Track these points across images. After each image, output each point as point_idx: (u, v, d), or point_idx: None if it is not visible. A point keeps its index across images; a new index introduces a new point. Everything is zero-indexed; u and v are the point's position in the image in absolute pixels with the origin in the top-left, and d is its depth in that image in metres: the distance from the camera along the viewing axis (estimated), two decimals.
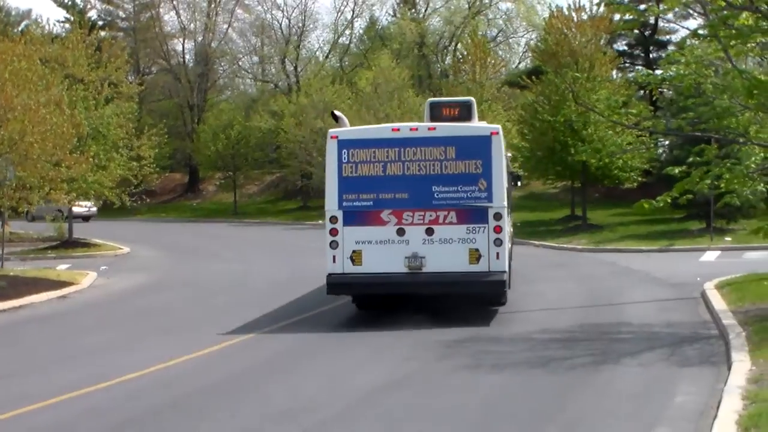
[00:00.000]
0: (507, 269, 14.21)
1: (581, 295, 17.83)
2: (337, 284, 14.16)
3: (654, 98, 32.84)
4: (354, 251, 14.03)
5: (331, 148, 14.14)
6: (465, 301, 15.68)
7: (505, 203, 14.16)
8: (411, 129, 14.24)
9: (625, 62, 48.57)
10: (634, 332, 13.46)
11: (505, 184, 14.36)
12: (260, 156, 58.09)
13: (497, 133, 13.96)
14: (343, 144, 14.14)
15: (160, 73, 69.63)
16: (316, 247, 31.46)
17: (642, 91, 43.13)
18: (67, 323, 16.34)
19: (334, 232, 14.20)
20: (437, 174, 13.94)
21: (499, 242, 13.82)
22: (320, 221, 46.63)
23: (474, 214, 13.83)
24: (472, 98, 15.83)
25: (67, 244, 32.21)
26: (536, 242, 31.01)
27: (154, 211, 58.40)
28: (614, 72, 39.96)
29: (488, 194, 13.85)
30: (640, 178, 35.31)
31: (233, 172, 56.82)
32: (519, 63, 62.96)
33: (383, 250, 13.98)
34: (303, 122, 50.19)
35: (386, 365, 11.47)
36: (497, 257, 13.81)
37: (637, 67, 49.88)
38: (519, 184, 17.28)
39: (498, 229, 13.83)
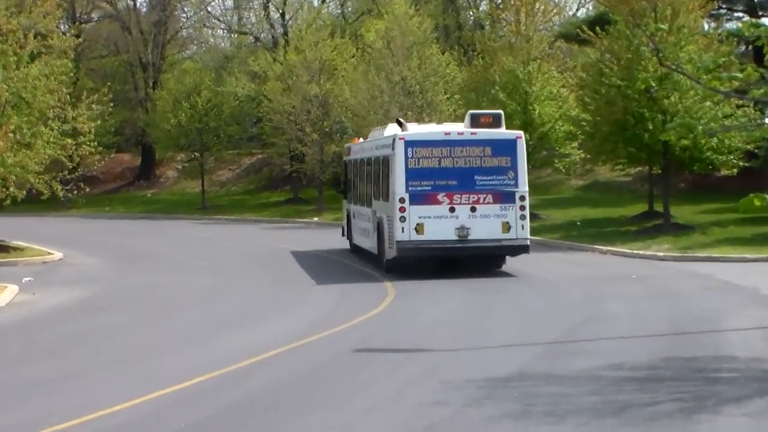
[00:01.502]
0: (529, 236, 24.65)
1: (665, 319, 17.71)
2: (405, 248, 24.18)
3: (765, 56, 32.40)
4: (417, 224, 24.09)
5: (400, 148, 24.28)
6: (509, 312, 18.53)
7: (527, 188, 24.62)
8: (458, 133, 24.97)
9: (720, 7, 48.19)
10: (739, 370, 13.37)
11: (526, 175, 24.83)
12: (236, 132, 58.01)
13: (521, 137, 24.90)
14: (409, 144, 24.40)
15: (103, 21, 69.72)
16: (312, 252, 31.68)
17: (745, 47, 42.82)
18: None
19: (402, 209, 24.10)
20: (478, 167, 24.39)
21: (523, 217, 24.35)
22: (316, 219, 46.79)
23: (505, 196, 24.33)
24: (501, 111, 26.36)
25: None
26: (602, 247, 30.85)
27: (96, 204, 58.50)
28: (705, 21, 39.64)
29: (515, 182, 24.39)
30: (741, 163, 35.00)
31: (200, 153, 56.78)
32: (578, 9, 62.80)
33: (439, 223, 24.15)
34: (293, 87, 50.14)
35: (404, 411, 11.39)
36: (522, 228, 24.35)
37: (736, 15, 49.52)
38: None
39: (522, 208, 24.37)
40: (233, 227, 45.02)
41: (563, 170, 42.72)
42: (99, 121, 35.44)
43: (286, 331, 17.28)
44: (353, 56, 50.75)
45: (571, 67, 41.83)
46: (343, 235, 32.48)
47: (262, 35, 64.93)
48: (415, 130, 25.89)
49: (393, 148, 24.50)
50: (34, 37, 32.27)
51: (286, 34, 59.60)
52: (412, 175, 24.24)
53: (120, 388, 12.82)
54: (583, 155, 39.70)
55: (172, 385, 12.88)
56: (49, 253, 32.25)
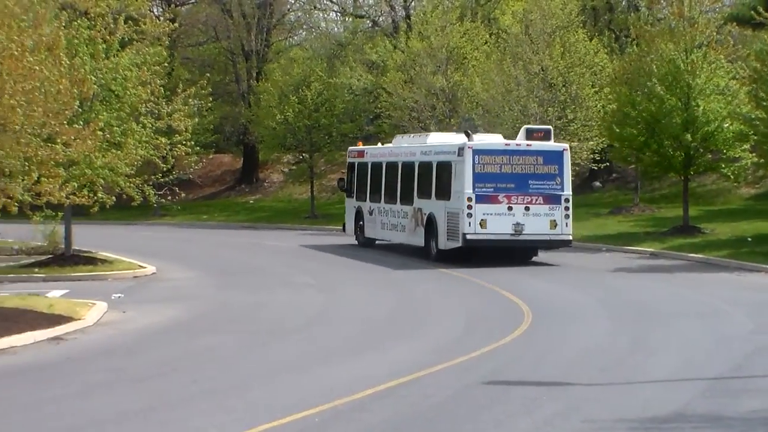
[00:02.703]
0: (571, 233, 33.00)
1: None
2: (471, 240, 32.07)
3: None
4: (482, 219, 32.04)
5: (468, 155, 32.25)
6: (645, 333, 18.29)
7: (571, 192, 32.98)
8: (516, 144, 33.21)
9: None
10: None
11: (570, 180, 33.27)
12: (350, 130, 58.42)
13: (567, 149, 33.41)
14: (476, 152, 32.45)
15: (201, 4, 70.72)
16: (433, 269, 31.75)
17: None
18: (61, 378, 16.62)
19: (469, 207, 31.91)
20: (531, 173, 32.63)
21: (567, 216, 32.51)
22: None
23: (553, 199, 32.51)
24: (551, 127, 35.73)
25: (63, 260, 32.89)
26: None
27: (192, 211, 59.55)
28: None
29: (561, 186, 32.65)
30: None
31: (309, 155, 57.23)
32: None
33: (499, 220, 32.12)
34: (415, 78, 50.33)
35: None
36: (566, 225, 32.57)
37: None
38: None
39: (566, 208, 32.51)
40: (345, 239, 45.25)
41: (731, 177, 41.98)
42: (197, 119, 35.93)
43: (407, 359, 17.41)
44: (486, 43, 50.71)
45: (743, 56, 41.16)
46: (344, 230, 42.12)
47: (380, 19, 65.43)
48: (478, 140, 33.52)
49: (461, 155, 32.65)
50: (125, 22, 32.74)
51: (408, 17, 59.92)
52: (478, 178, 32.37)
53: (217, 423, 13.09)
54: (755, 159, 38.97)
55: (276, 419, 13.10)
56: (141, 267, 32.92)
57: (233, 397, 14.76)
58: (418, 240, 35.46)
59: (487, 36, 51.36)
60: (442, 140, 36.26)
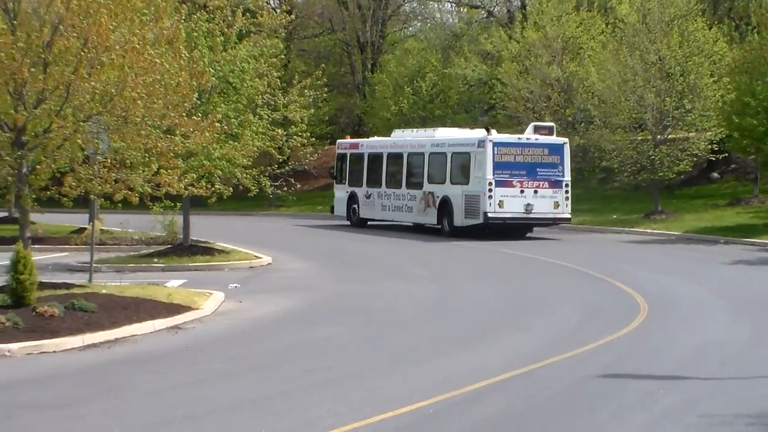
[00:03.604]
0: (570, 211, 40.02)
1: None
2: (491, 217, 38.54)
3: None
4: (500, 201, 38.48)
5: (489, 147, 38.85)
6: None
7: (570, 178, 40.02)
8: (527, 138, 39.90)
9: None
10: None
11: (569, 168, 40.16)
12: (464, 120, 58.39)
13: (566, 143, 40.52)
14: (495, 144, 39.03)
15: None
16: (545, 263, 31.63)
17: None
18: (180, 367, 16.92)
19: (490, 190, 38.31)
20: (539, 162, 39.52)
21: (567, 198, 39.74)
22: None
23: (556, 183, 39.57)
24: (554, 124, 42.19)
25: (181, 250, 33.38)
26: None
27: (307, 201, 59.92)
28: None
29: (562, 174, 39.79)
30: None
31: None
32: None
33: (513, 201, 38.75)
34: (530, 69, 50.15)
35: None
36: (566, 206, 39.76)
37: None
38: None
39: (567, 192, 39.73)
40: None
41: None
42: (312, 110, 36.15)
43: (521, 351, 17.39)
44: (602, 33, 50.35)
45: None
46: (332, 212, 49.07)
47: (495, 9, 65.25)
48: (494, 135, 39.96)
49: (481, 147, 39.37)
50: (243, 15, 33.09)
51: (523, 7, 59.65)
52: (497, 166, 39.01)
53: (333, 412, 13.19)
54: None
55: (392, 409, 13.15)
56: (257, 257, 33.25)
57: (348, 387, 14.86)
58: (429, 219, 42.45)
59: (604, 25, 50.97)
60: (450, 135, 43.69)
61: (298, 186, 41.12)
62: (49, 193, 23.08)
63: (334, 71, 66.46)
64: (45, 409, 13.61)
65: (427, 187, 42.31)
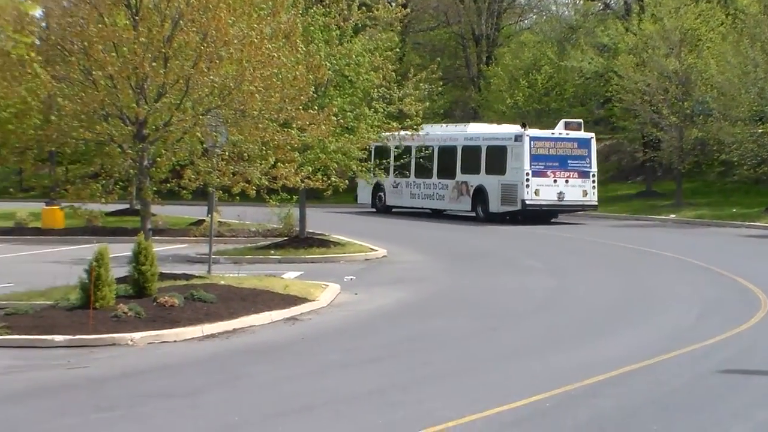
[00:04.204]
0: (596, 199, 45.23)
1: None
2: (528, 204, 43.34)
3: None
4: (536, 189, 43.27)
5: (526, 141, 43.49)
6: None
7: (596, 169, 45.50)
8: (559, 133, 44.57)
9: None
10: None
11: (596, 160, 45.86)
12: (580, 114, 58.02)
13: (593, 137, 45.48)
14: (532, 138, 43.71)
15: None
16: (660, 256, 31.26)
17: None
18: (297, 358, 17.08)
19: (527, 180, 43.03)
20: (569, 155, 44.34)
21: (594, 187, 44.74)
22: (673, 215, 46.19)
23: (584, 174, 44.49)
24: (582, 120, 47.05)
25: (297, 242, 33.67)
26: None
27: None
28: None
29: (590, 165, 44.77)
30: None
31: None
32: None
33: (547, 189, 43.58)
34: (647, 61, 49.60)
35: None
36: (593, 194, 44.81)
37: None
38: None
39: (594, 181, 44.82)
40: (575, 224, 45.04)
41: None
42: (427, 103, 36.16)
43: (639, 345, 17.23)
44: (721, 24, 49.57)
45: None
46: (356, 200, 52.95)
47: (612, 1, 64.64)
48: (530, 131, 44.30)
49: (518, 141, 43.57)
50: (359, 9, 33.24)
51: None
52: (533, 158, 43.34)
53: (452, 403, 13.20)
54: None
55: (509, 402, 13.13)
56: (372, 250, 33.40)
57: (464, 380, 14.86)
58: (462, 206, 47.10)
59: (723, 17, 50.20)
60: (483, 130, 48.37)
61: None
62: (169, 185, 23.50)
63: (449, 64, 66.43)
64: (167, 398, 13.86)
65: (461, 177, 46.60)
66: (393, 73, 33.55)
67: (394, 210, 51.02)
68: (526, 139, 43.41)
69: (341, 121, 29.82)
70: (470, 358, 16.61)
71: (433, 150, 47.36)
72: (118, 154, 22.82)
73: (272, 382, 14.98)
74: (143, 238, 20.75)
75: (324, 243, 33.58)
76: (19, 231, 40.40)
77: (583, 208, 45.55)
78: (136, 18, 22.12)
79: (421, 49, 70.28)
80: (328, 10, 32.15)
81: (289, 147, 24.43)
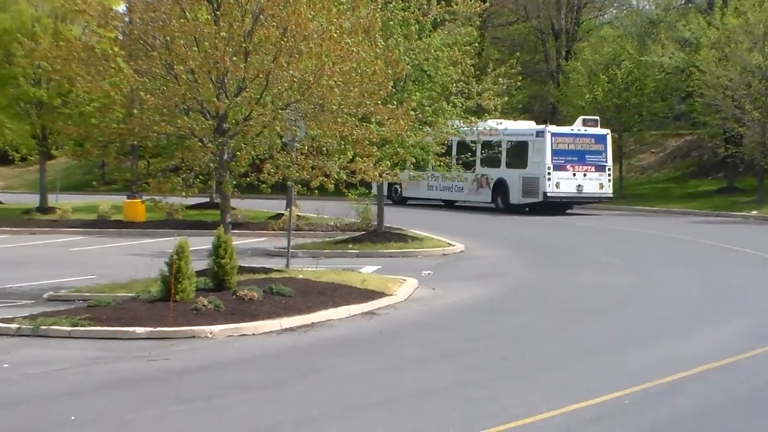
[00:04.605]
0: (611, 191, 48.56)
1: None
2: (550, 196, 46.49)
3: None
4: (557, 183, 46.46)
5: (548, 137, 46.67)
6: None
7: (612, 163, 48.78)
8: (578, 129, 47.56)
9: None
10: None
11: (611, 154, 49.21)
12: (660, 109, 57.62)
13: (609, 133, 48.81)
14: (553, 135, 47.00)
15: None
16: (739, 252, 30.90)
17: None
18: (374, 352, 17.16)
19: (549, 173, 46.16)
20: (587, 150, 47.48)
21: (609, 180, 48.00)
22: (755, 212, 45.66)
23: (600, 168, 47.69)
24: (598, 117, 49.32)
25: (375, 236, 33.76)
26: None
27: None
28: None
29: (605, 159, 47.99)
30: None
31: (618, 134, 56.53)
32: None
33: (567, 182, 46.79)
34: (730, 56, 49.00)
35: None
36: (609, 187, 48.07)
37: None
38: None
39: (609, 174, 48.02)
40: (654, 220, 44.71)
41: None
42: (506, 98, 36.06)
43: (719, 342, 17.08)
44: None
45: None
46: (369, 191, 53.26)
47: None
48: (551, 127, 47.50)
49: (540, 136, 46.55)
50: (438, 3, 33.27)
51: None
52: (554, 153, 46.11)
53: (529, 399, 13.16)
54: None
55: (587, 399, 13.07)
56: (450, 244, 33.42)
57: (541, 376, 14.81)
58: (481, 198, 49.81)
59: None
60: (500, 126, 46.98)
61: None
62: (248, 179, 23.66)
63: (528, 59, 66.19)
64: (246, 391, 13.97)
65: (480, 170, 49.03)
66: (471, 68, 33.51)
67: (408, 202, 52.94)
68: (548, 135, 46.38)
69: (419, 115, 29.89)
70: (548, 354, 16.57)
71: (452, 144, 46.00)
72: (198, 148, 23.04)
73: (350, 376, 15.03)
74: (223, 231, 20.91)
75: (402, 237, 33.66)
76: (102, 224, 41.02)
77: (600, 199, 48.27)
78: (217, 13, 22.30)
79: (500, 43, 70.06)
80: (407, 4, 32.17)
81: (367, 141, 24.49)
